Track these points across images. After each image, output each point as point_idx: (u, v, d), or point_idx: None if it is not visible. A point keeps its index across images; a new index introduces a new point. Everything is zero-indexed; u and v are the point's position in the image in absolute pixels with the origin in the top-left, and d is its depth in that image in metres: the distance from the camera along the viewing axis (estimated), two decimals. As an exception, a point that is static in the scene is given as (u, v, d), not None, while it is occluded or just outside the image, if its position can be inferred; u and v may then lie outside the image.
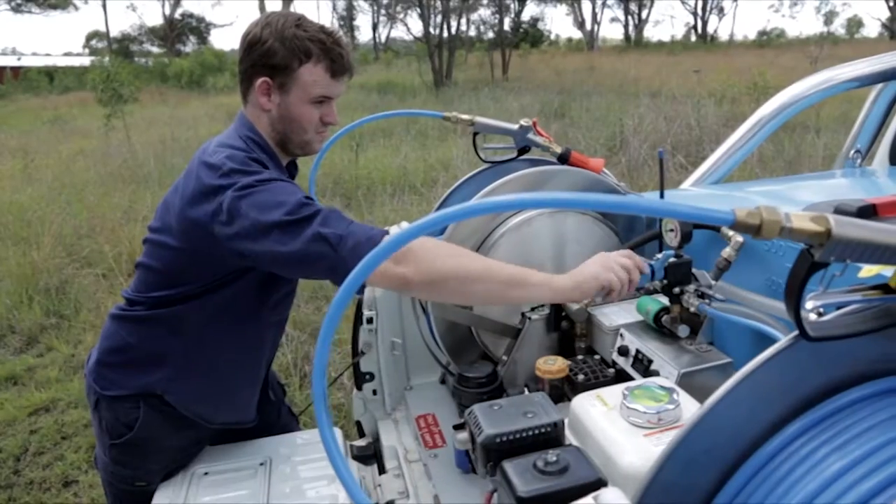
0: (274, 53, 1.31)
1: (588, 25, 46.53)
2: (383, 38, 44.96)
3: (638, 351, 1.36)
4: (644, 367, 1.33)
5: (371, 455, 1.78)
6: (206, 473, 1.52)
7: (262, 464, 1.55)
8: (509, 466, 0.91)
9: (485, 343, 1.63)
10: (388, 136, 9.55)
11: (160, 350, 1.40)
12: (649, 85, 14.47)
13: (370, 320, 1.76)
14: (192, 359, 1.41)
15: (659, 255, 1.32)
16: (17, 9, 41.85)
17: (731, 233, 1.34)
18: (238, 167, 1.24)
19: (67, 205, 6.42)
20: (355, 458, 1.74)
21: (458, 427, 1.12)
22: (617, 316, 1.49)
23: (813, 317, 0.67)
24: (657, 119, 8.29)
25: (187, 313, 1.37)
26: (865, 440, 0.64)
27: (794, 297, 0.59)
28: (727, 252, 1.31)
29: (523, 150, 1.71)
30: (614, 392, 1.07)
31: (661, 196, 1.55)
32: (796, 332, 0.62)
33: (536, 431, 1.00)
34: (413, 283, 1.17)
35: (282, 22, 1.32)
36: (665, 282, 1.31)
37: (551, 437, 1.01)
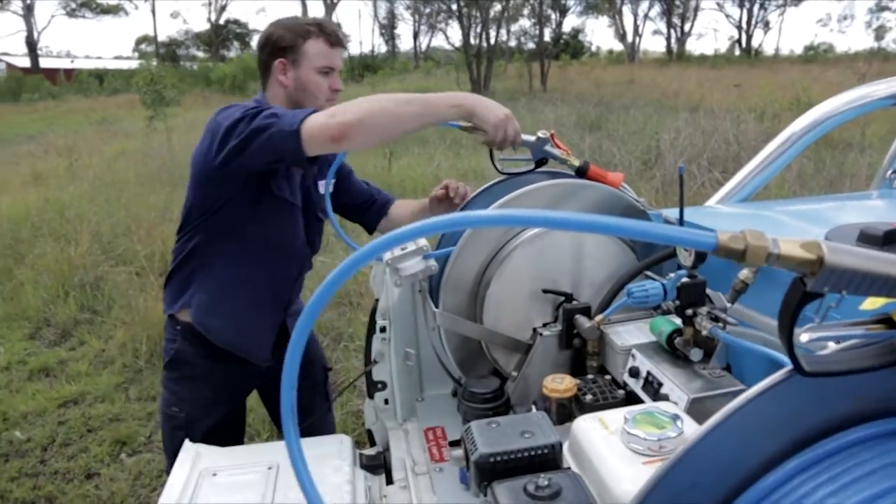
0: (282, 38, 1.67)
1: (629, 38, 46.12)
2: (424, 47, 45.31)
3: (649, 373, 1.32)
4: (654, 390, 1.28)
5: (380, 465, 1.76)
6: (214, 474, 1.53)
7: (269, 468, 1.54)
8: (499, 488, 0.88)
9: (495, 358, 1.60)
10: (422, 144, 9.59)
11: (186, 271, 1.70)
12: (689, 99, 14.23)
13: (383, 329, 1.75)
14: (205, 276, 1.68)
15: (672, 275, 1.27)
16: (71, 13, 43.48)
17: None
18: (227, 105, 1.56)
19: (106, 203, 6.60)
20: (364, 467, 1.73)
21: (454, 444, 1.10)
22: (630, 335, 1.45)
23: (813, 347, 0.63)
24: (694, 133, 8.13)
25: (197, 238, 1.67)
26: (866, 485, 0.60)
27: (786, 330, 0.55)
28: (744, 274, 1.25)
29: (540, 163, 1.67)
30: (617, 416, 1.04)
31: (681, 214, 1.49)
32: (790, 367, 0.58)
33: (533, 453, 0.98)
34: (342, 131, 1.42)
35: (282, 19, 1.72)
36: (677, 302, 1.26)
37: (548, 459, 0.98)
